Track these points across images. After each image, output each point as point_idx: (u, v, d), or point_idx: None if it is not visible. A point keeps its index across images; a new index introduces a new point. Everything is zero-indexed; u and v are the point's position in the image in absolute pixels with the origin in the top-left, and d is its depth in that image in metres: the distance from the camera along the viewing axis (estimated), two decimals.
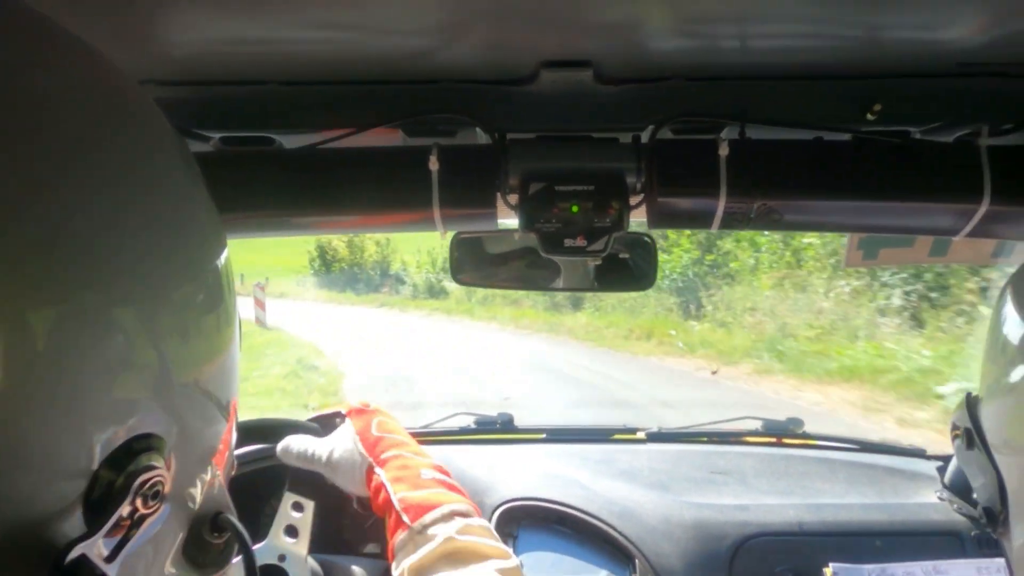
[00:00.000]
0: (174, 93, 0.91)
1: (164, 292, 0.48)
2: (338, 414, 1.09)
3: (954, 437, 0.67)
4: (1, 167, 0.37)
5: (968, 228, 0.95)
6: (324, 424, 1.11)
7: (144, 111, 0.51)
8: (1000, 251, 1.28)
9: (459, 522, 0.85)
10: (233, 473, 0.66)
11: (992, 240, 1.27)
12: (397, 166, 0.97)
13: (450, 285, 18.24)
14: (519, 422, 1.94)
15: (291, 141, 1.03)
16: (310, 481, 1.13)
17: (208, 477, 0.57)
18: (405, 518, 0.87)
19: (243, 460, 1.15)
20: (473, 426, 1.92)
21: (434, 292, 19.97)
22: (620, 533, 1.37)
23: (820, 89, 0.93)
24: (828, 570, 1.24)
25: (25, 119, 0.40)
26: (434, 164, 0.94)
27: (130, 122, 0.49)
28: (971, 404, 0.64)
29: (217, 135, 1.02)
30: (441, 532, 0.84)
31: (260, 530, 1.14)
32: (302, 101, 0.97)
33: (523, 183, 0.95)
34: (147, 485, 0.44)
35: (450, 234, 1.07)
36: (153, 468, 0.44)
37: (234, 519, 0.57)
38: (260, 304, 15.45)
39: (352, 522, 1.46)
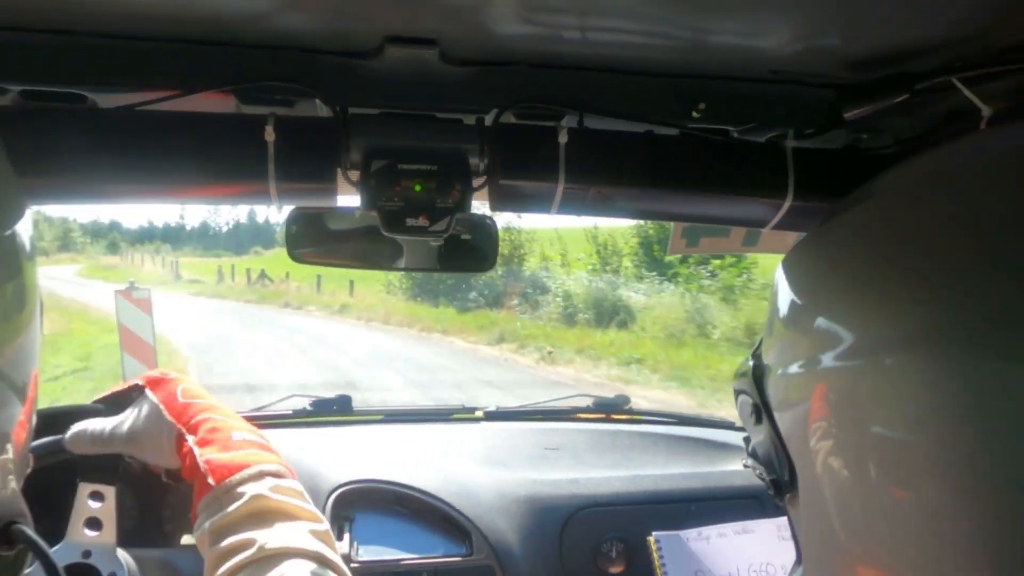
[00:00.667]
0: None
1: None
2: (135, 387, 1.00)
3: (739, 403, 0.72)
4: None
5: (775, 221, 1.05)
6: (119, 403, 1.02)
7: None
8: None
9: (270, 481, 0.81)
10: (28, 471, 0.59)
11: (795, 232, 1.41)
12: (229, 134, 0.91)
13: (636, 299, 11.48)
14: (358, 404, 1.91)
15: (108, 100, 0.93)
16: (110, 467, 1.04)
17: None
18: (210, 479, 0.81)
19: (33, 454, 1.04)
20: (309, 408, 1.86)
21: (604, 311, 10.91)
22: (457, 511, 1.40)
23: (653, 85, 0.98)
24: (651, 538, 1.33)
25: None
26: (270, 135, 0.89)
27: None
28: (758, 378, 0.68)
29: (16, 88, 0.91)
30: (249, 490, 0.79)
31: (63, 531, 1.04)
32: (121, 56, 0.88)
33: (365, 160, 0.93)
34: None
35: (286, 209, 1.03)
36: None
37: (29, 530, 0.51)
38: (132, 342, 6.19)
39: (173, 514, 1.37)
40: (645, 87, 0.98)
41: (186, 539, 1.34)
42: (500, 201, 0.99)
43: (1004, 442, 0.40)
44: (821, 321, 0.55)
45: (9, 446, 0.53)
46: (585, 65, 0.93)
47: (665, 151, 1.01)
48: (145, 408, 0.95)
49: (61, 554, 0.99)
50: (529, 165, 0.97)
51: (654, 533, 1.33)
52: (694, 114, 1.00)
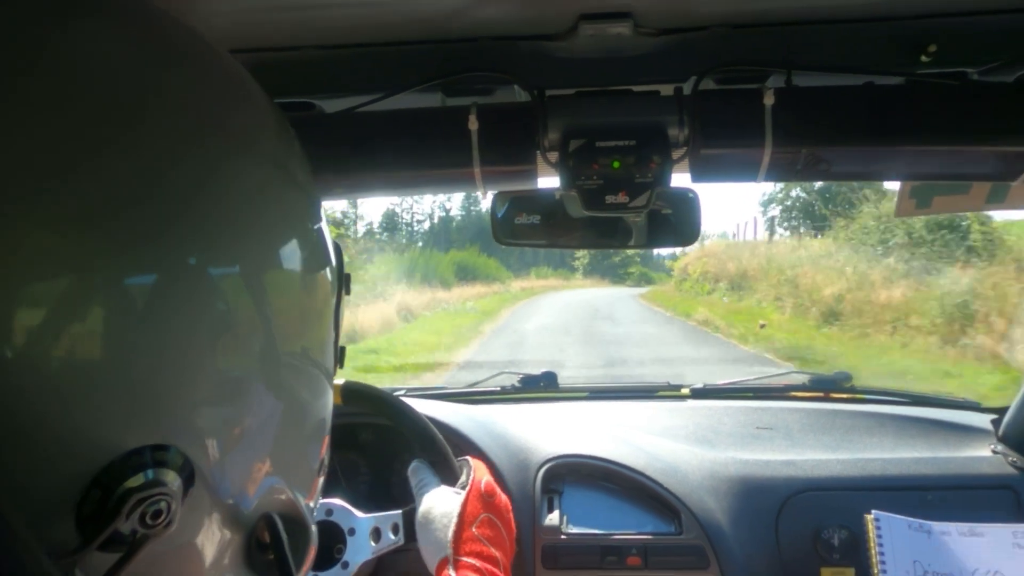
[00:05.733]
0: None
1: (269, 254, 0.47)
2: (465, 462, 1.11)
3: None
4: (89, 127, 0.37)
5: None
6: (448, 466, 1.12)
7: (230, 71, 0.51)
8: None
9: None
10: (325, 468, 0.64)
11: None
12: (437, 127, 0.97)
13: None
14: (562, 382, 1.95)
15: (331, 105, 1.03)
16: (349, 436, 1.15)
17: (310, 462, 0.56)
18: None
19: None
20: (517, 385, 1.93)
21: None
22: (665, 489, 1.38)
23: (871, 31, 0.89)
24: (869, 516, 1.23)
25: (105, 82, 0.40)
26: (473, 124, 0.93)
27: (216, 81, 0.49)
28: None
29: None
30: None
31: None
32: (340, 64, 0.97)
33: (563, 140, 0.94)
34: (145, 503, 0.39)
35: (491, 194, 1.07)
36: (158, 486, 0.39)
37: (280, 530, 0.51)
38: None
39: (399, 480, 1.50)
40: (862, 34, 0.89)
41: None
42: (702, 171, 0.96)
43: None
44: None
45: (327, 427, 0.59)
46: (791, 19, 0.86)
47: (889, 103, 0.91)
48: (449, 503, 1.03)
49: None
50: (732, 132, 0.92)
51: (873, 511, 1.23)
52: (923, 58, 0.89)
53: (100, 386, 0.37)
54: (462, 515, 1.00)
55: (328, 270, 0.55)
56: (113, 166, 0.38)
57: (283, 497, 0.52)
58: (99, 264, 0.36)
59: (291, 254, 0.49)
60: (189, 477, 0.41)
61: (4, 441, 0.34)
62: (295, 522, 0.54)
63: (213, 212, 0.42)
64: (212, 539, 0.46)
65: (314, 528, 0.58)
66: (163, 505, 0.39)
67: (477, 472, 1.08)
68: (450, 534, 0.97)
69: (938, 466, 1.41)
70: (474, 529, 0.99)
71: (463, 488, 1.05)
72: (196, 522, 0.44)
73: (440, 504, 1.03)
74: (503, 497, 1.07)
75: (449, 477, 1.10)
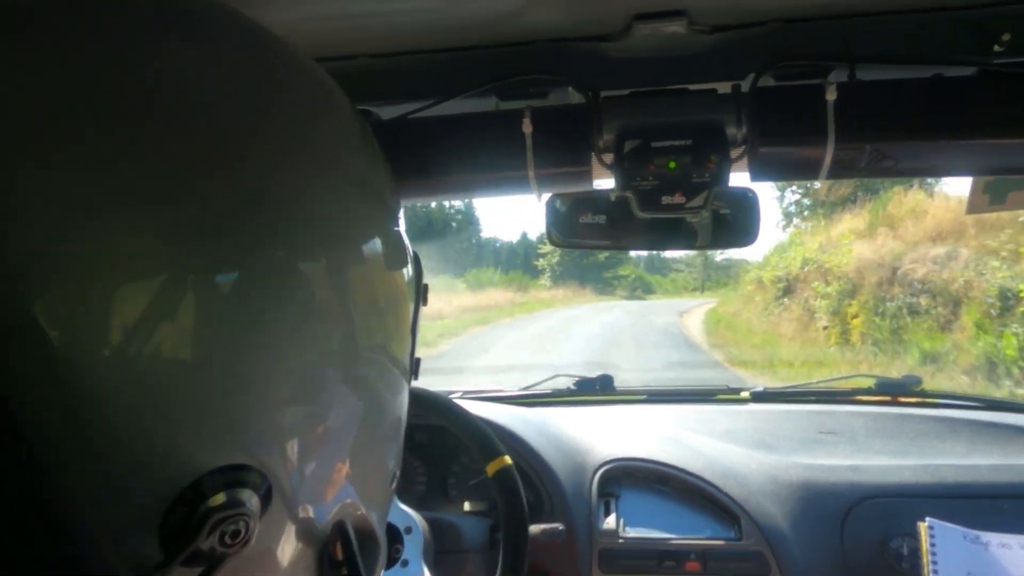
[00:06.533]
0: None
1: (351, 249, 0.48)
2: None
3: None
4: (202, 154, 0.39)
5: None
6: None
7: (320, 82, 0.53)
8: None
9: None
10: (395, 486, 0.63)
11: None
12: (491, 131, 0.97)
13: None
14: (619, 384, 1.94)
15: (385, 113, 1.04)
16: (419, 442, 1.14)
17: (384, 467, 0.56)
18: None
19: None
20: (573, 388, 1.93)
21: None
22: (724, 493, 1.35)
23: (938, 21, 0.86)
24: (923, 524, 1.18)
25: (204, 91, 0.41)
26: (528, 127, 0.93)
27: (308, 96, 0.50)
28: None
29: None
30: None
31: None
32: (393, 72, 0.98)
33: (618, 141, 0.93)
34: (225, 522, 0.39)
35: (545, 196, 1.07)
36: (238, 506, 0.40)
37: (354, 546, 0.51)
38: None
39: (457, 481, 1.51)
40: (929, 24, 0.86)
41: (468, 506, 1.46)
42: (761, 171, 0.94)
43: None
44: None
45: (403, 430, 0.59)
46: (852, 11, 0.84)
47: (960, 95, 0.88)
48: None
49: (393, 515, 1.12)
50: (792, 129, 0.90)
51: (927, 519, 1.18)
52: (995, 48, 0.86)
53: (194, 389, 0.38)
54: None
55: (407, 270, 0.56)
56: (219, 183, 0.40)
57: (357, 512, 0.53)
58: (193, 264, 0.38)
59: (373, 252, 0.50)
60: (267, 495, 0.42)
61: (101, 454, 0.36)
62: (365, 535, 0.54)
63: (305, 217, 0.44)
64: (286, 553, 0.47)
65: (384, 541, 0.59)
66: (242, 525, 0.40)
67: None
68: None
69: (1015, 473, 1.35)
70: None
71: None
72: (272, 537, 0.45)
73: None
74: None
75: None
